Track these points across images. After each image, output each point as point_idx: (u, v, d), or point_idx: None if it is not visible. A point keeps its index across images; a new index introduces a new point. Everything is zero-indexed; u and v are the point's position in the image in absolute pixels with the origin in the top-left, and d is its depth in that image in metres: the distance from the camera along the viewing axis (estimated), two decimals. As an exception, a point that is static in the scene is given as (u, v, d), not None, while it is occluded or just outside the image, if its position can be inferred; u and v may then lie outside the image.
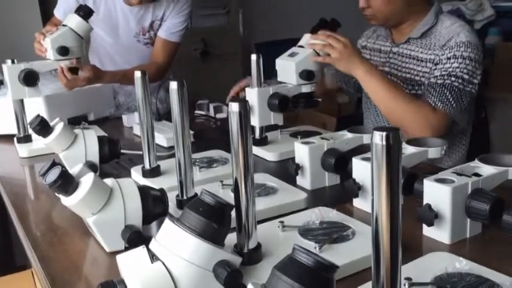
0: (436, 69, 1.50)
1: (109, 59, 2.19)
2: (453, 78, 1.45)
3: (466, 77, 1.45)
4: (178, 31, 2.10)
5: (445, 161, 1.61)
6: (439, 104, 1.45)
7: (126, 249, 0.89)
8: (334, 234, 0.90)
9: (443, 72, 1.47)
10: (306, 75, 1.42)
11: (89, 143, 1.29)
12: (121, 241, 0.92)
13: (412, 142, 1.14)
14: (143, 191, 0.96)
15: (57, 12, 2.07)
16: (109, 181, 0.96)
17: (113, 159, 1.35)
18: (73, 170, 0.96)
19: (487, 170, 0.96)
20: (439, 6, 1.60)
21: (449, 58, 1.47)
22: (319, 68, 1.46)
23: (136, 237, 0.91)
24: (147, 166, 1.23)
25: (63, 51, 1.65)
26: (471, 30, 1.52)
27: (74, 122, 1.74)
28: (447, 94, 1.45)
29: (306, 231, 0.91)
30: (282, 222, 0.94)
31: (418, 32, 1.57)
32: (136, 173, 1.27)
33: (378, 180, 0.55)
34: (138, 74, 1.18)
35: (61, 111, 1.68)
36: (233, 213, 0.78)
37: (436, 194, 0.90)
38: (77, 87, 1.83)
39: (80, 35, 1.68)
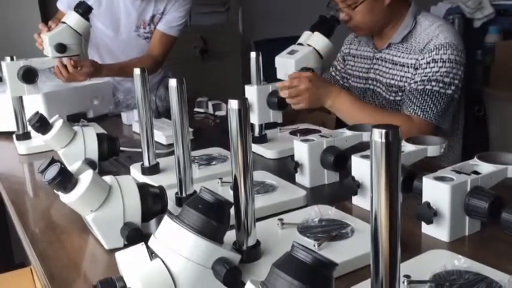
0: (416, 74, 1.49)
1: (108, 53, 2.19)
2: (433, 83, 1.44)
3: (446, 80, 1.44)
4: (177, 25, 2.11)
5: (441, 161, 1.60)
6: (419, 113, 1.44)
7: (125, 246, 0.90)
8: (333, 231, 0.90)
9: (423, 78, 1.46)
10: (306, 73, 1.42)
11: (88, 140, 1.29)
12: (120, 238, 0.92)
13: (411, 140, 1.14)
14: (142, 188, 0.96)
15: (61, 5, 2.07)
16: (108, 178, 0.96)
17: (112, 156, 1.35)
18: (72, 167, 0.96)
19: (486, 168, 0.96)
20: (416, 7, 1.58)
21: (428, 63, 1.46)
22: (319, 65, 1.46)
23: (135, 235, 0.91)
24: (146, 163, 1.22)
25: (61, 48, 1.65)
26: (450, 29, 1.50)
27: (73, 119, 1.74)
28: (427, 100, 1.44)
29: (305, 229, 0.91)
30: (281, 219, 0.94)
31: (398, 37, 1.55)
32: (135, 170, 1.27)
33: (377, 178, 0.55)
34: (137, 71, 1.18)
35: (60, 109, 1.68)
36: (232, 210, 0.78)
37: (435, 192, 0.90)
38: (76, 82, 1.83)
39: (79, 32, 1.68)
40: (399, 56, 1.56)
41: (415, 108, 1.46)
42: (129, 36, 2.13)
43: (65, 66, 1.75)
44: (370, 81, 1.67)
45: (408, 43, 1.54)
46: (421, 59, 1.48)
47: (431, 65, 1.45)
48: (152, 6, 2.06)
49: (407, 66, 1.52)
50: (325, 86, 1.46)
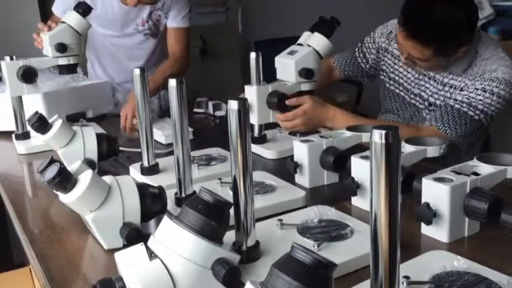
0: (458, 94, 1.44)
1: (109, 55, 2.18)
2: (472, 109, 1.40)
3: (485, 110, 1.40)
4: (185, 15, 2.09)
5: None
6: (440, 126, 1.41)
7: (125, 246, 0.90)
8: (333, 232, 0.90)
9: (464, 99, 1.42)
10: (305, 73, 1.42)
11: (87, 140, 1.29)
12: (119, 238, 0.92)
13: (410, 141, 1.14)
14: (142, 188, 0.96)
15: (56, 10, 2.07)
16: (107, 178, 0.96)
17: (111, 156, 1.35)
18: (71, 167, 0.96)
19: (485, 169, 0.96)
20: (477, 35, 1.47)
21: (477, 89, 1.41)
22: (319, 66, 1.46)
23: (134, 235, 0.91)
24: (146, 164, 1.22)
25: (61, 48, 1.64)
26: (509, 63, 1.43)
27: (73, 119, 1.74)
28: (456, 119, 1.41)
29: (304, 230, 0.91)
30: (280, 220, 0.94)
31: (458, 70, 1.48)
32: (134, 170, 1.27)
33: (377, 178, 0.55)
34: (137, 72, 1.18)
35: (59, 108, 1.68)
36: (232, 211, 0.78)
37: (435, 192, 0.90)
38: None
39: (79, 32, 1.68)
40: (450, 78, 1.50)
41: (438, 120, 1.42)
42: (128, 35, 2.12)
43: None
44: (412, 96, 1.61)
45: (466, 73, 1.48)
46: (471, 84, 1.43)
47: (479, 92, 1.41)
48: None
49: (455, 88, 1.48)
50: (321, 109, 1.44)
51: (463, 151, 1.48)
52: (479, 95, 1.41)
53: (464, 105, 1.42)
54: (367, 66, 1.76)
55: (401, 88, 1.65)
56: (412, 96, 1.62)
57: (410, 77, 1.62)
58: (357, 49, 1.79)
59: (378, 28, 1.74)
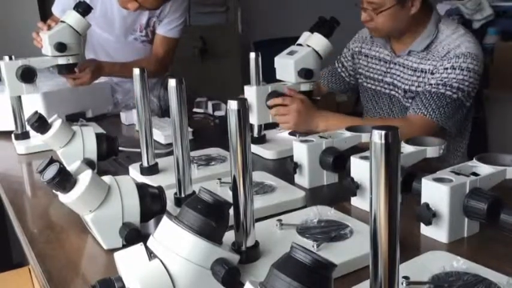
0: (432, 78, 1.49)
1: (107, 57, 2.18)
2: (447, 87, 1.45)
3: (461, 86, 1.45)
4: (176, 26, 2.10)
5: (444, 166, 1.60)
6: (424, 111, 1.45)
7: (124, 246, 0.89)
8: (332, 232, 0.90)
9: (438, 81, 1.47)
10: (305, 73, 1.42)
11: (86, 140, 1.29)
12: (119, 238, 0.92)
13: (410, 141, 1.14)
14: (141, 188, 0.96)
15: (56, 10, 2.07)
16: (107, 178, 0.96)
17: (110, 156, 1.35)
18: (71, 167, 0.96)
19: (485, 169, 0.96)
20: (438, 15, 1.58)
21: (446, 68, 1.46)
22: (319, 66, 1.46)
23: (134, 235, 0.91)
24: (145, 163, 1.22)
25: (60, 47, 1.64)
26: (472, 39, 1.50)
27: (72, 119, 1.74)
28: (436, 101, 1.45)
29: (304, 230, 0.91)
30: (280, 220, 0.94)
31: (420, 46, 1.55)
32: (134, 170, 1.26)
33: (377, 178, 0.55)
34: (136, 71, 1.18)
35: (59, 108, 1.68)
36: (231, 211, 0.78)
37: (434, 193, 0.90)
38: (84, 84, 1.82)
39: (78, 31, 1.68)
40: (419, 63, 1.55)
41: (420, 107, 1.47)
42: (125, 40, 2.12)
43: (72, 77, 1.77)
44: (386, 85, 1.66)
45: (429, 50, 1.54)
46: (440, 66, 1.48)
47: (449, 71, 1.45)
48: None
49: (425, 72, 1.53)
50: (314, 111, 1.45)
51: (453, 135, 1.54)
52: (450, 73, 1.45)
53: (440, 86, 1.46)
54: (347, 74, 1.84)
55: (376, 83, 1.70)
56: (386, 86, 1.66)
57: (382, 67, 1.68)
58: (336, 61, 1.88)
59: (352, 38, 1.83)
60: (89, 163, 1.19)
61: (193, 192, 1.05)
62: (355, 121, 1.43)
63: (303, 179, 1.20)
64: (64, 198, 0.92)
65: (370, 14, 1.52)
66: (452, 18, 3.20)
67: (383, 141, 0.54)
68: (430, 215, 0.89)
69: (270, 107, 1.42)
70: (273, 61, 1.50)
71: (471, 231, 0.93)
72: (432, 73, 1.50)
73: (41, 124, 1.27)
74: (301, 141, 1.20)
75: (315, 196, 1.14)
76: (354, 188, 1.05)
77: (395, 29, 1.55)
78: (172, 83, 1.00)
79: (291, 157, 1.22)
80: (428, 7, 1.56)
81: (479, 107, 1.77)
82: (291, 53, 1.46)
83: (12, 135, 1.64)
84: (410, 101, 1.57)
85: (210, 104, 1.96)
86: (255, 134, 1.48)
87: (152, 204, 0.97)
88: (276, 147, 1.44)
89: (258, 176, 1.18)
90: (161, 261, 0.71)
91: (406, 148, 1.11)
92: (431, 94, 1.46)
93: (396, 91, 1.63)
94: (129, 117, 1.87)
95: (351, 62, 1.81)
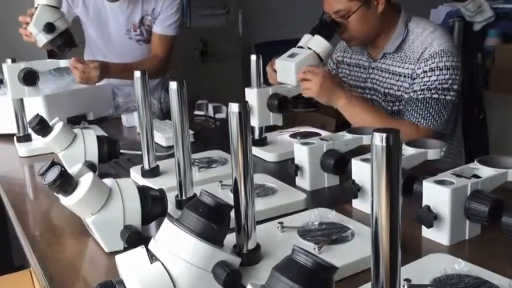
0: (414, 83, 1.50)
1: (104, 59, 2.18)
2: (433, 91, 1.46)
3: (445, 86, 1.45)
4: (172, 23, 2.09)
5: (439, 166, 1.60)
6: (421, 121, 1.46)
7: (125, 249, 0.89)
8: (334, 235, 0.90)
9: (422, 87, 1.47)
10: (306, 76, 1.42)
11: (88, 142, 1.29)
12: (120, 241, 0.92)
13: (411, 143, 1.14)
14: (142, 191, 0.96)
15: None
16: (108, 181, 0.96)
17: (112, 159, 1.35)
18: (72, 170, 0.96)
19: (486, 171, 0.96)
20: (407, 15, 1.58)
21: (425, 71, 1.47)
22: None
23: (135, 238, 0.91)
24: (147, 166, 1.22)
25: (49, 27, 1.64)
26: (442, 34, 1.50)
27: (74, 121, 1.74)
28: (429, 109, 1.46)
29: (305, 232, 0.91)
30: (281, 223, 0.94)
31: (391, 47, 1.56)
32: (135, 173, 1.27)
33: (378, 181, 0.55)
34: (137, 74, 1.18)
35: (60, 111, 1.68)
36: (232, 213, 0.78)
37: (436, 195, 0.90)
38: (90, 82, 1.83)
39: (55, 6, 1.67)
40: (395, 66, 1.56)
41: (417, 117, 1.47)
42: (120, 40, 2.12)
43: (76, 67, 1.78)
44: (367, 91, 1.68)
45: (402, 52, 1.55)
46: (418, 69, 1.49)
47: (429, 74, 1.46)
48: (140, 8, 2.05)
49: (404, 76, 1.53)
50: (339, 85, 1.48)
51: (447, 135, 1.54)
52: (431, 76, 1.46)
53: (426, 92, 1.47)
54: None
55: (360, 90, 1.71)
56: (367, 91, 1.67)
57: (362, 74, 1.69)
58: None
59: (334, 49, 1.83)
60: (90, 166, 1.19)
61: (195, 194, 1.05)
62: (374, 109, 1.47)
63: (304, 181, 1.20)
64: (65, 201, 0.92)
65: (343, 24, 1.52)
66: (453, 21, 3.21)
67: (384, 144, 0.54)
68: (431, 218, 0.89)
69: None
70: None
71: (472, 234, 0.93)
72: (412, 78, 1.51)
73: (42, 127, 1.27)
74: (302, 143, 1.20)
75: (316, 198, 1.14)
76: (355, 190, 1.05)
77: (369, 31, 1.55)
78: (173, 85, 1.00)
79: (292, 159, 1.22)
80: (396, 7, 1.57)
81: (479, 109, 1.78)
82: (292, 56, 1.46)
83: (14, 138, 1.64)
84: (391, 104, 1.58)
85: (210, 106, 1.96)
86: (256, 137, 1.48)
87: (153, 206, 0.97)
88: (277, 150, 1.44)
89: (259, 178, 1.18)
90: (162, 264, 0.71)
91: (407, 151, 1.11)
92: (425, 101, 1.46)
93: (377, 95, 1.64)
94: (130, 120, 1.87)
95: (336, 72, 1.82)
